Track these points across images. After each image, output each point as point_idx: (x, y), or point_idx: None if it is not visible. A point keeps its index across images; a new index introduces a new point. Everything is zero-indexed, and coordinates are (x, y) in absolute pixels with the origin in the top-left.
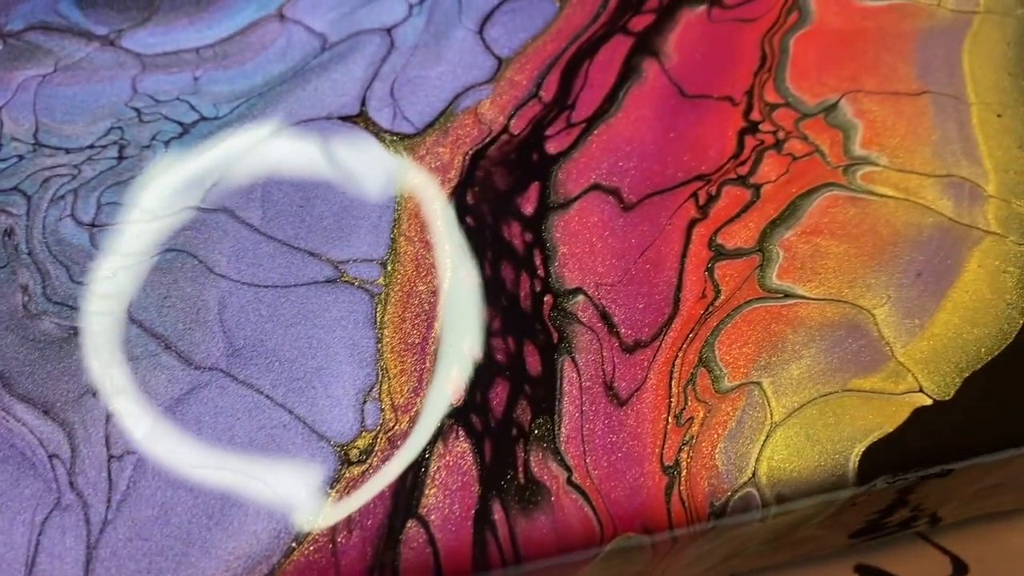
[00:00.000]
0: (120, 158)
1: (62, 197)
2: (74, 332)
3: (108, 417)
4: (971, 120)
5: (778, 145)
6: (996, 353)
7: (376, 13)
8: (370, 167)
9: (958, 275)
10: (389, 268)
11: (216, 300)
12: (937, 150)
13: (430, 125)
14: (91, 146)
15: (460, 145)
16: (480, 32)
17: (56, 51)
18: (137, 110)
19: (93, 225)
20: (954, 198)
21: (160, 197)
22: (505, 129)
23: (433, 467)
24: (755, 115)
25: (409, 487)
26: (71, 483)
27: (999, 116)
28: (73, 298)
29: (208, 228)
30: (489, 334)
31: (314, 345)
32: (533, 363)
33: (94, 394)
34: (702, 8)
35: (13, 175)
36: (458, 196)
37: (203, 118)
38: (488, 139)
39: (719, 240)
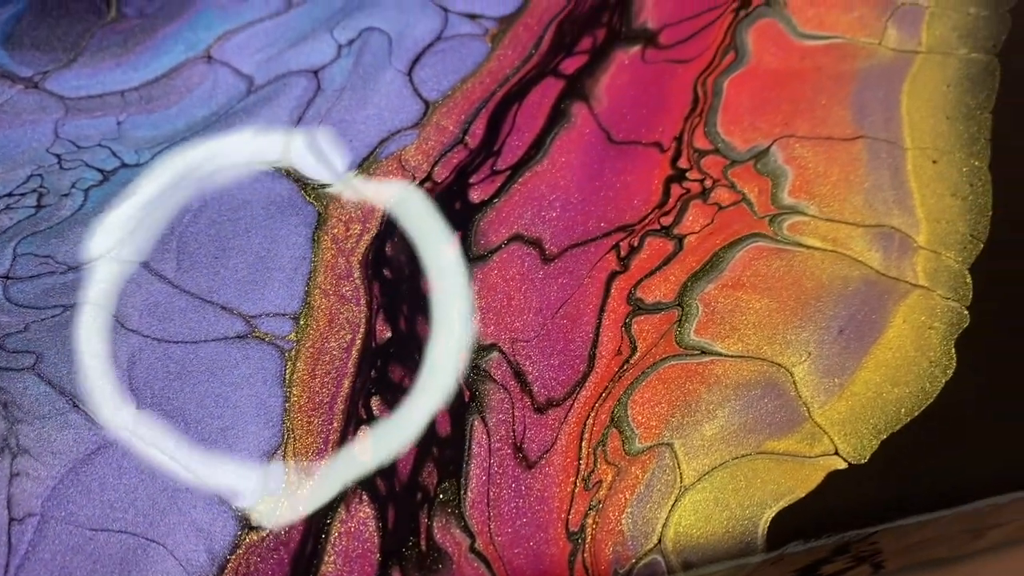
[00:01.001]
0: (38, 207)
1: None
2: None
3: (12, 478)
4: (906, 166)
5: (704, 194)
6: (915, 413)
7: (304, 54)
8: (288, 217)
9: (882, 331)
10: (302, 323)
11: (126, 356)
12: (869, 198)
13: (353, 171)
14: (9, 194)
15: (382, 192)
16: (409, 73)
17: None
18: (58, 156)
19: (7, 277)
20: (883, 249)
21: (76, 248)
22: (429, 176)
23: (334, 533)
24: (683, 162)
25: (308, 554)
26: None
27: (934, 162)
28: None
29: (122, 281)
30: (399, 391)
31: (221, 404)
32: (443, 423)
33: None
34: (636, 48)
35: None
36: (376, 247)
37: (124, 165)
38: (410, 187)
39: (638, 294)
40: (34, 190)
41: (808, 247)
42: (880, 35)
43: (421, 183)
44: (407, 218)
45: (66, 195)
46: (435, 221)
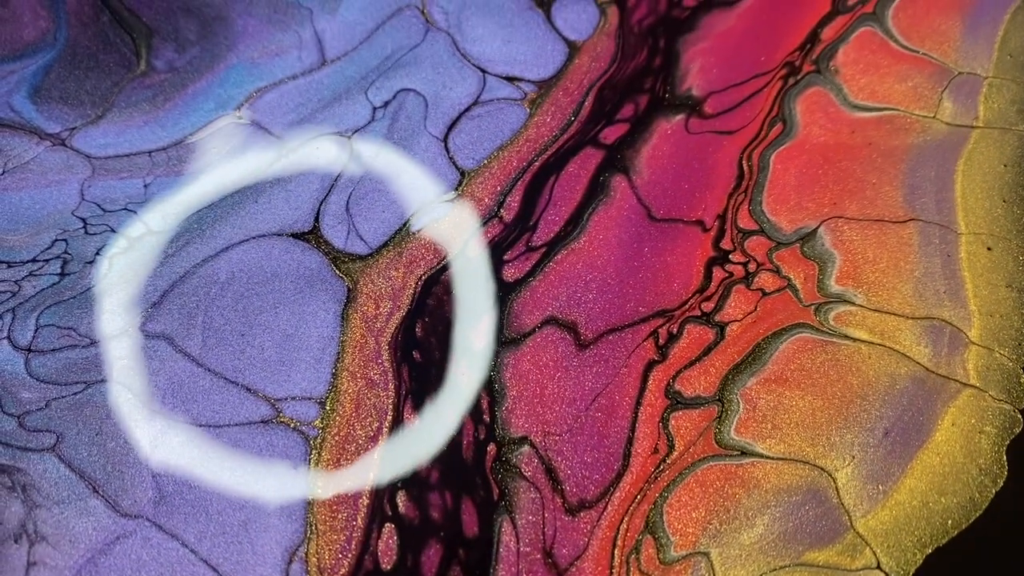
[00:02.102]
0: (62, 274)
1: (0, 317)
2: (0, 470)
3: (28, 567)
4: (959, 254)
5: (748, 278)
6: (963, 526)
7: (338, 116)
8: (318, 292)
9: (930, 435)
10: (328, 408)
11: (148, 439)
12: (919, 288)
13: (384, 245)
14: (34, 259)
15: (414, 269)
16: (444, 140)
17: (6, 150)
18: (83, 220)
19: (29, 350)
20: (933, 344)
21: (99, 320)
22: (461, 252)
23: None
24: (726, 243)
25: None
26: None
27: (989, 249)
28: (4, 432)
29: (146, 357)
30: (426, 487)
31: (244, 494)
32: (470, 523)
33: (16, 540)
34: (679, 117)
35: None
36: (406, 327)
37: (150, 231)
38: (443, 263)
39: (677, 386)
40: (58, 256)
41: (855, 340)
42: (935, 107)
43: (454, 259)
44: (438, 297)
45: (90, 262)
46: (467, 301)
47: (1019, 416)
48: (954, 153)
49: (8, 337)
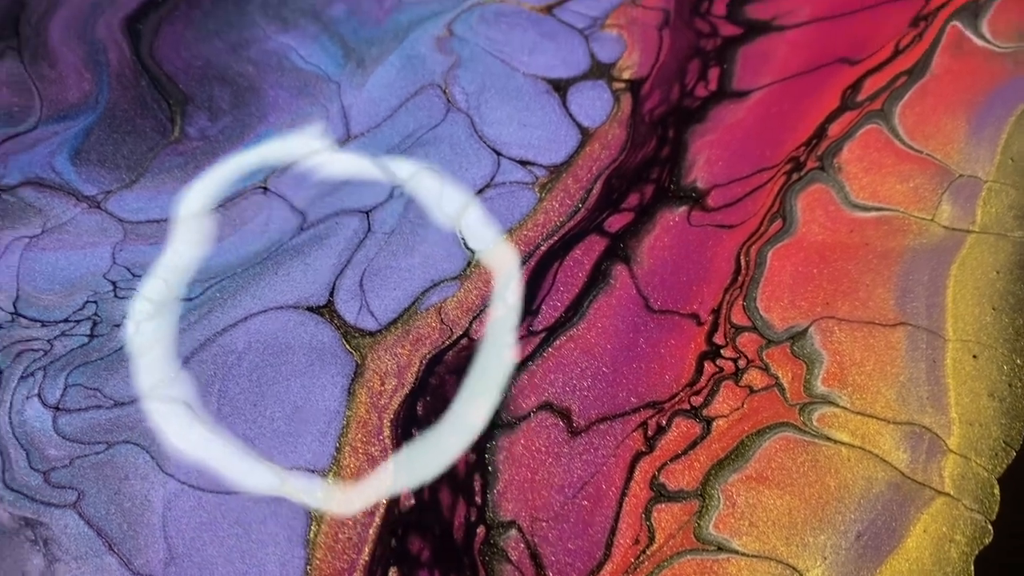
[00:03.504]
0: (91, 336)
1: (32, 374)
2: (25, 523)
3: None
4: (944, 360)
5: (737, 375)
6: None
7: (358, 193)
8: (328, 365)
9: (901, 540)
10: (329, 482)
11: (162, 501)
12: (903, 393)
13: (393, 322)
14: (66, 320)
15: (419, 347)
16: (456, 220)
17: (46, 210)
18: (114, 283)
19: (57, 408)
20: (911, 450)
21: (124, 383)
22: (466, 333)
23: None
24: (719, 338)
25: None
26: None
27: (975, 357)
28: (29, 487)
29: (164, 421)
30: (417, 565)
31: (246, 560)
32: None
33: None
34: (683, 209)
35: None
36: (408, 405)
37: (175, 298)
38: (448, 343)
39: (662, 479)
40: (88, 317)
41: (836, 442)
42: (934, 209)
43: (458, 339)
44: (441, 376)
45: (118, 325)
46: (468, 381)
47: (989, 527)
48: (948, 257)
49: (39, 395)
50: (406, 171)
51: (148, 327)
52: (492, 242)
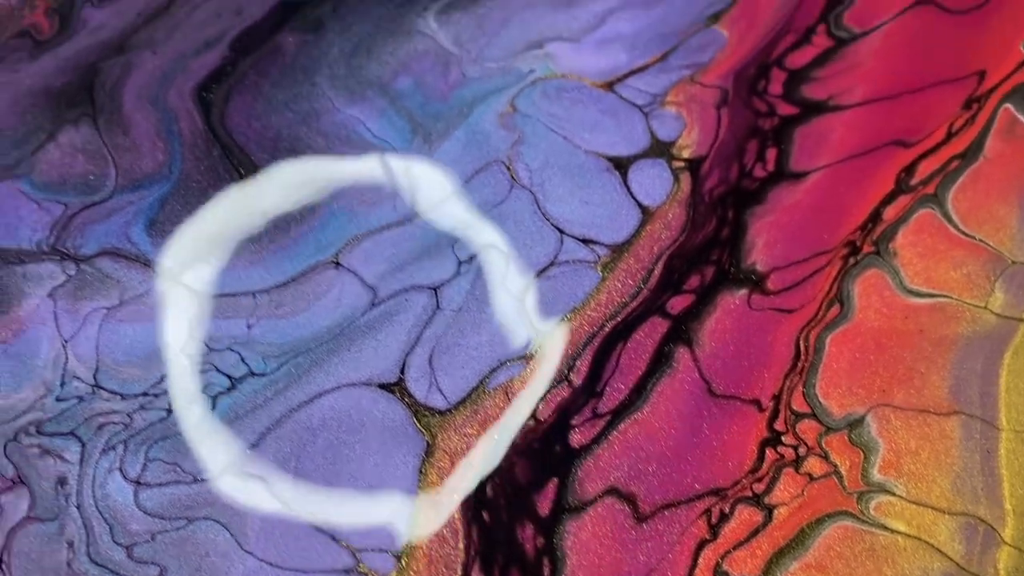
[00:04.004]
0: (170, 410)
1: (113, 448)
2: None
3: None
4: (998, 450)
5: (797, 462)
6: None
7: (426, 269)
8: (400, 444)
9: None
10: (403, 563)
11: None
12: (957, 483)
13: (462, 402)
14: (144, 393)
15: (488, 427)
16: (522, 299)
17: (123, 281)
18: (190, 357)
19: (138, 482)
20: (966, 541)
21: (202, 458)
22: (533, 414)
23: None
24: (779, 424)
25: None
26: None
27: None
28: (113, 561)
29: (243, 497)
30: None
31: None
32: None
33: None
34: (743, 292)
35: (71, 418)
36: (478, 488)
37: (252, 373)
38: (515, 423)
39: (725, 567)
40: (167, 391)
41: (893, 531)
42: (987, 297)
43: (525, 420)
44: (509, 458)
45: (195, 400)
46: (535, 465)
47: None
48: (1002, 346)
49: (120, 468)
50: (472, 248)
51: (225, 403)
52: (557, 321)
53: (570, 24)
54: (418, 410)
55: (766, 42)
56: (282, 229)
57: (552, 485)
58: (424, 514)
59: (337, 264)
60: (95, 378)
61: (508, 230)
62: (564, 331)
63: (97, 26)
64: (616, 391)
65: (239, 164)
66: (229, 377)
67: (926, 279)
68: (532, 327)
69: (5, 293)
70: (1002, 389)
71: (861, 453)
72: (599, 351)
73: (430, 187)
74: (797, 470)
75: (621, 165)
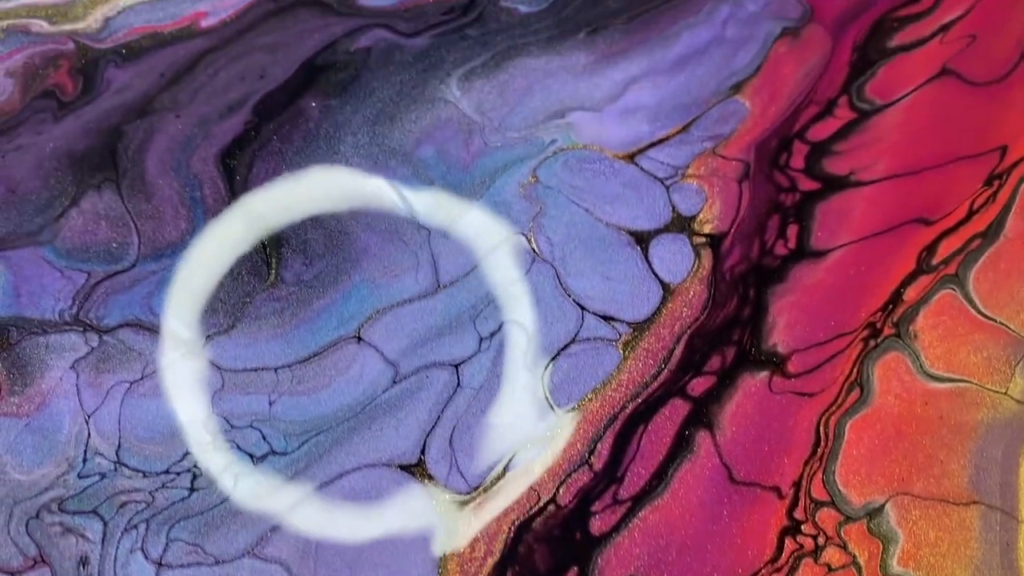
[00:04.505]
0: (192, 489)
1: (135, 527)
2: None
3: None
4: (1017, 543)
5: (817, 552)
6: None
7: (448, 345)
8: (419, 530)
9: None
10: None
11: None
12: None
13: (482, 485)
14: (167, 471)
15: (508, 513)
16: (543, 377)
17: (145, 355)
18: (212, 434)
19: (160, 564)
20: None
21: (224, 540)
22: (553, 499)
23: None
24: (799, 512)
25: None
26: None
27: None
28: None
29: None
30: None
31: None
32: None
33: None
34: (764, 374)
35: (93, 496)
36: (498, 575)
37: (273, 451)
38: (536, 508)
39: None
40: (188, 470)
41: None
42: (1007, 382)
43: (545, 505)
44: (529, 544)
45: (217, 479)
46: (555, 553)
47: None
48: (1022, 434)
49: (142, 548)
50: (494, 323)
51: (247, 482)
52: (578, 402)
53: (592, 93)
54: (438, 493)
55: (788, 113)
56: (304, 301)
57: (572, 575)
58: None
59: (359, 339)
60: (117, 455)
61: (529, 306)
62: (585, 412)
63: (121, 87)
64: (637, 476)
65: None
66: (251, 456)
67: (947, 363)
68: (553, 408)
69: (28, 365)
70: (1022, 479)
71: (880, 544)
72: (620, 434)
73: (452, 260)
74: (816, 560)
75: (642, 240)
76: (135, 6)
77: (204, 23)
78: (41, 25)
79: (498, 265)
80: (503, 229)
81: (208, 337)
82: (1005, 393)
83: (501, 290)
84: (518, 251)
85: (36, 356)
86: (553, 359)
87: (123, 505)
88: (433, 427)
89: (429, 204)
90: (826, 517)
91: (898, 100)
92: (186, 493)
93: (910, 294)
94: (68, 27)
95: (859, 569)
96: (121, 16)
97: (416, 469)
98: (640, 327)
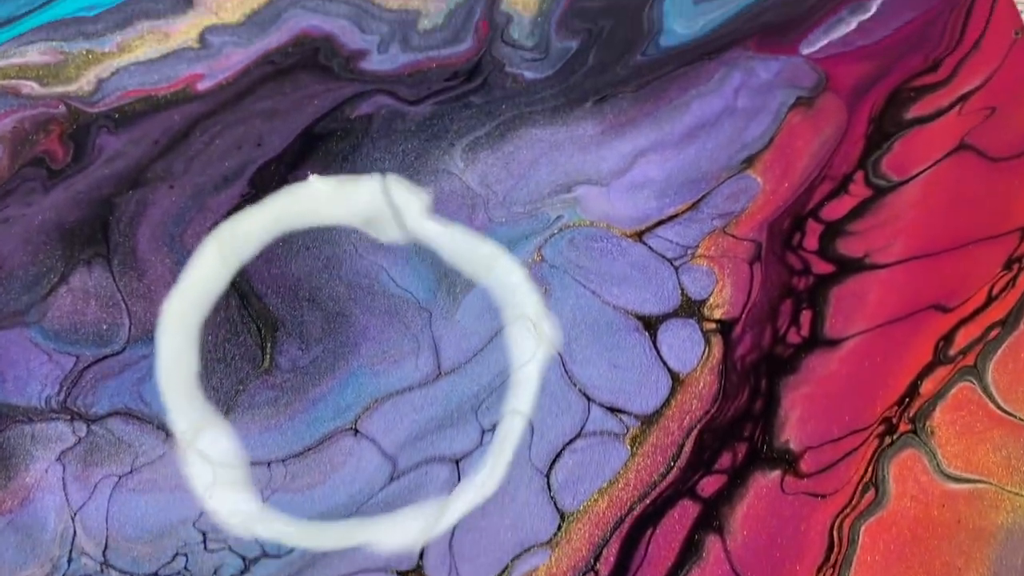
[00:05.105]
0: None
1: None
2: None
3: None
4: None
5: None
6: None
7: (448, 438)
8: None
9: None
10: None
11: None
12: None
13: None
14: (155, 574)
15: None
16: (547, 475)
17: (135, 446)
18: (203, 533)
19: None
20: None
21: None
22: None
23: None
24: None
25: None
26: None
27: None
28: None
29: None
30: None
31: None
32: None
33: None
34: (776, 474)
35: None
36: None
37: (265, 554)
38: None
39: None
40: (178, 572)
41: None
42: None
43: None
44: None
45: None
46: None
47: None
48: None
49: None
50: (496, 414)
51: None
52: (583, 502)
53: (599, 166)
54: None
55: (802, 190)
56: (299, 390)
57: None
58: None
59: (356, 431)
60: (104, 555)
61: (533, 395)
62: (591, 514)
63: (113, 154)
64: None
65: (257, 316)
66: (243, 558)
67: (965, 462)
68: (557, 508)
69: (13, 456)
70: None
71: None
72: (627, 537)
73: (455, 345)
74: None
75: (650, 325)
76: (129, 67)
77: (200, 86)
78: (32, 87)
79: (502, 350)
80: (507, 312)
81: (199, 428)
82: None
83: (504, 378)
84: (523, 335)
85: (21, 447)
86: (558, 455)
87: None
88: (435, 527)
89: (431, 286)
90: None
91: (915, 176)
92: None
93: (927, 387)
94: (60, 89)
95: None
96: (114, 78)
97: (414, 575)
98: (648, 420)
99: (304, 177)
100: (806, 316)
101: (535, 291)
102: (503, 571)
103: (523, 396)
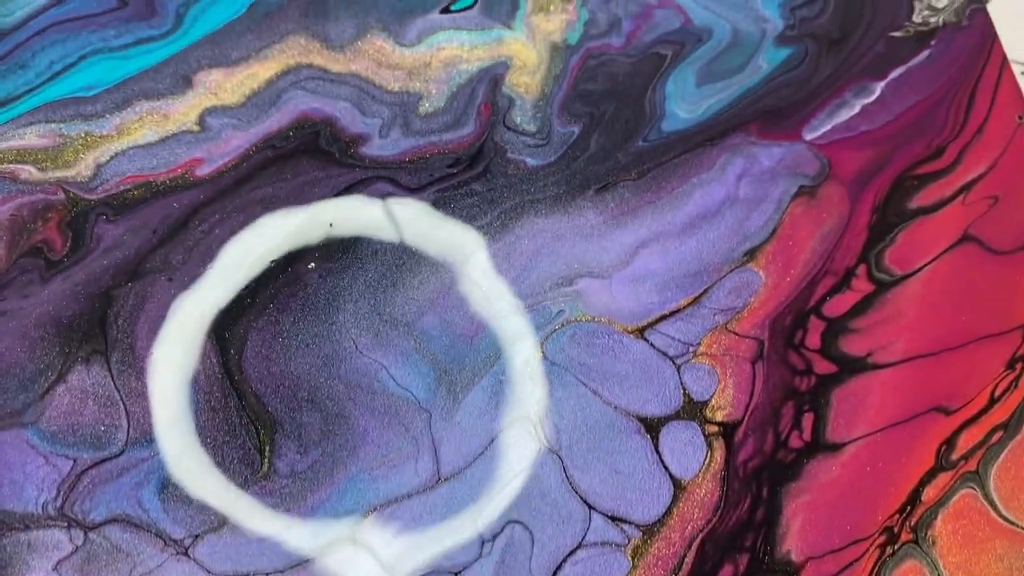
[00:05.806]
0: None
1: None
2: None
3: None
4: None
5: None
6: None
7: (448, 548)
8: None
9: None
10: None
11: None
12: None
13: None
14: None
15: None
16: None
17: (133, 555)
18: None
19: None
20: None
21: None
22: None
23: None
24: None
25: None
26: None
27: None
28: None
29: None
30: None
31: None
32: None
33: None
34: None
35: None
36: None
37: None
38: None
39: None
40: None
41: None
42: None
43: None
44: None
45: None
46: None
47: None
48: None
49: None
50: (497, 523)
51: None
52: None
53: (600, 257)
54: None
55: (804, 285)
56: (298, 496)
57: None
58: None
59: (354, 541)
60: None
61: (534, 502)
62: None
63: (111, 244)
64: None
65: (256, 418)
66: None
67: (967, 573)
68: None
69: (8, 566)
70: None
71: None
72: None
73: (454, 448)
74: None
75: (652, 427)
76: (128, 151)
77: (199, 171)
78: (30, 171)
79: (503, 454)
80: (508, 412)
81: (197, 536)
82: None
83: (505, 484)
84: (523, 438)
85: (17, 556)
86: (559, 567)
87: None
88: None
89: (431, 385)
90: None
91: (918, 270)
92: None
93: (929, 493)
94: (58, 174)
95: None
96: (113, 162)
97: None
98: (650, 530)
99: (305, 271)
100: (808, 419)
101: (537, 390)
102: None
103: (523, 504)
